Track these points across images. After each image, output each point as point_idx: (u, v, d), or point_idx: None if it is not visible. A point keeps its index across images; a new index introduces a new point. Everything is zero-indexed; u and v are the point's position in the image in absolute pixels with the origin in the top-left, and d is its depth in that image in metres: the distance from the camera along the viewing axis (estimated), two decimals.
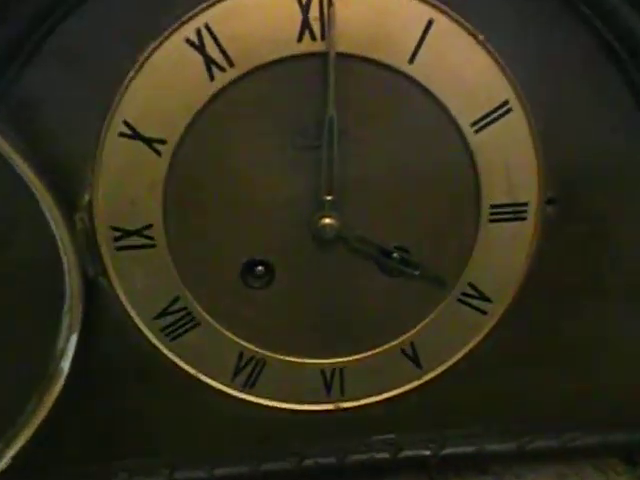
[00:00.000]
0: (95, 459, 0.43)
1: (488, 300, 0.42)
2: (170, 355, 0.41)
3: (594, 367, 0.45)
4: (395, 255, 0.40)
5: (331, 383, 0.44)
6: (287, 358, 0.42)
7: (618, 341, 0.44)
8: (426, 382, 0.44)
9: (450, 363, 0.43)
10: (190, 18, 0.33)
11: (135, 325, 0.40)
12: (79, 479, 0.43)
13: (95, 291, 0.38)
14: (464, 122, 0.36)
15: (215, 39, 0.33)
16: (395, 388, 0.44)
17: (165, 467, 0.44)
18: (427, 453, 0.46)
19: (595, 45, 0.36)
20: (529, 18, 0.35)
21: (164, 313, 0.40)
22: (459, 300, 0.42)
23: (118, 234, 0.37)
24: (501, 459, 0.47)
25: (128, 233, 0.37)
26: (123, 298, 0.39)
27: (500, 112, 0.36)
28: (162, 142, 0.35)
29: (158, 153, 0.35)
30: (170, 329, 0.40)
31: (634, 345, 0.45)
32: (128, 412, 0.43)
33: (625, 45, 0.35)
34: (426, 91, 0.35)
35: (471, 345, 0.43)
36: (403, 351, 0.43)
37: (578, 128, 0.38)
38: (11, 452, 0.36)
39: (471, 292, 0.41)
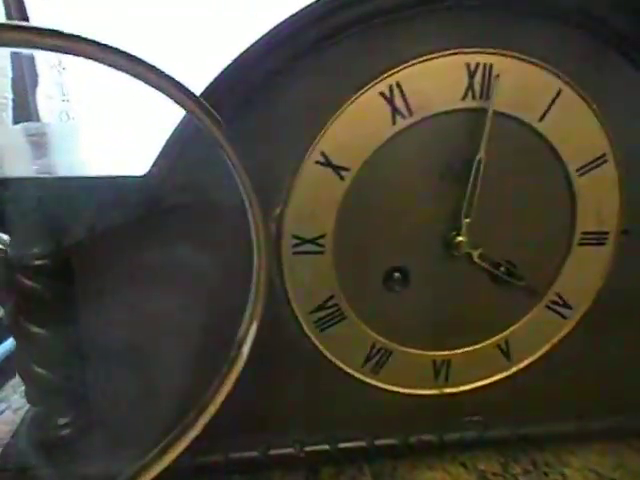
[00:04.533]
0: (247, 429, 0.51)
1: (569, 307, 0.52)
2: (316, 342, 0.49)
3: None
4: (503, 268, 0.50)
5: (439, 371, 0.53)
6: (409, 350, 0.51)
7: None
8: (514, 373, 0.54)
9: (535, 357, 0.54)
10: (385, 77, 0.42)
11: (295, 316, 0.48)
12: (236, 446, 0.51)
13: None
14: (572, 168, 0.47)
15: (402, 93, 0.42)
16: (488, 377, 0.54)
17: (296, 442, 0.52)
18: (508, 433, 0.56)
19: None
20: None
21: (319, 308, 0.48)
22: (547, 306, 0.52)
23: (297, 241, 0.45)
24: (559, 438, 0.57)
25: (305, 241, 0.46)
26: (290, 293, 0.47)
27: (599, 162, 0.47)
28: (346, 170, 0.44)
29: (342, 178, 0.44)
30: (322, 321, 0.49)
31: None
32: (275, 388, 0.51)
33: None
34: (548, 143, 0.46)
35: (551, 343, 0.54)
36: (499, 347, 0.53)
37: None
38: (204, 418, 0.43)
39: (558, 300, 0.52)
